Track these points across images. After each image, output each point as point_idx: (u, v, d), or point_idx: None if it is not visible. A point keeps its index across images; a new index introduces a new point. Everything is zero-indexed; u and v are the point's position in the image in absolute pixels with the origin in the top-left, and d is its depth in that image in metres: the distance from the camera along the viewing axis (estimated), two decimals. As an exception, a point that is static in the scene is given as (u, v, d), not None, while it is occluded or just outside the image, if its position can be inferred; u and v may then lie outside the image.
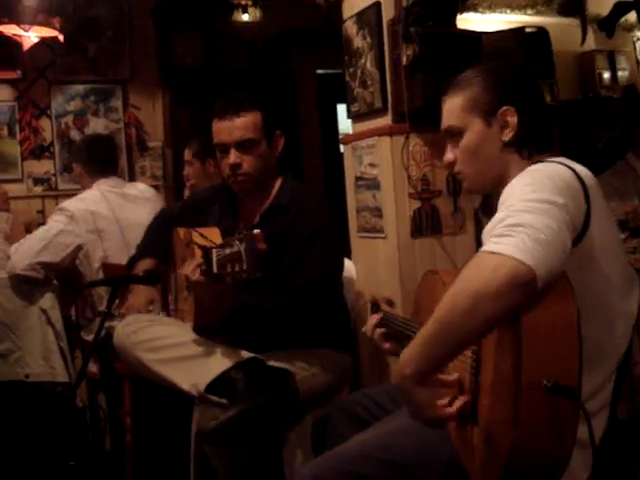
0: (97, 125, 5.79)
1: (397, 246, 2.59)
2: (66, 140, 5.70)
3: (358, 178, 2.77)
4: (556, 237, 1.30)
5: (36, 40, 4.93)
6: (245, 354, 2.16)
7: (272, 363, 2.15)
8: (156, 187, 5.92)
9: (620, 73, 5.01)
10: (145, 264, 2.56)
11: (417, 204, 2.60)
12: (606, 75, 5.03)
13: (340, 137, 3.01)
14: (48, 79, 5.63)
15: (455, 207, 2.63)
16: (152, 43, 5.89)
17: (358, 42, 2.73)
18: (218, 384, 2.09)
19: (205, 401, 2.09)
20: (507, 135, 1.61)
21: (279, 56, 6.35)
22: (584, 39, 4.77)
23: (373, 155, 2.66)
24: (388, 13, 2.59)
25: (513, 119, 1.60)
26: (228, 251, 1.86)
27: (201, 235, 2.15)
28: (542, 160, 1.55)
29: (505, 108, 1.61)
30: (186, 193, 3.97)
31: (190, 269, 2.00)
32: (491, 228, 1.36)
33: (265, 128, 2.30)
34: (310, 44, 6.22)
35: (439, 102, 1.84)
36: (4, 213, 3.77)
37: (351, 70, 2.80)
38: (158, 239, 2.65)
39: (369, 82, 2.66)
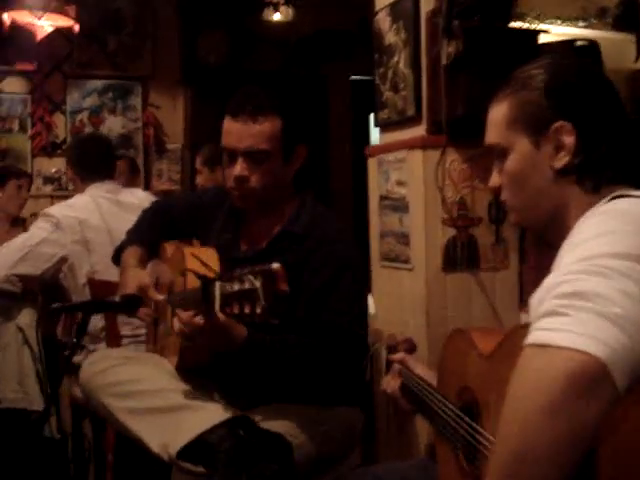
0: (114, 123, 5.49)
1: (425, 281, 2.17)
2: (80, 138, 5.36)
3: (383, 197, 2.36)
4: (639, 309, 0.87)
5: (50, 29, 4.64)
6: (232, 411, 1.75)
7: (265, 425, 1.74)
8: (173, 192, 5.59)
9: (678, 92, 4.54)
10: (132, 253, 2.17)
11: (452, 232, 2.17)
12: (659, 95, 4.58)
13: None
14: (64, 73, 5.34)
15: (497, 238, 2.19)
16: (176, 39, 5.58)
17: (391, 37, 2.32)
18: (196, 447, 1.68)
19: (177, 468, 1.69)
20: (560, 160, 1.19)
21: (311, 59, 5.98)
22: (639, 56, 4.32)
23: (402, 171, 2.25)
24: (428, 3, 2.17)
25: (569, 139, 1.18)
26: (237, 287, 1.50)
27: (198, 260, 1.78)
28: (620, 194, 1.12)
29: (559, 124, 1.18)
30: None
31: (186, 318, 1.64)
32: (540, 298, 0.93)
33: (284, 139, 1.89)
34: (344, 48, 5.85)
35: (484, 110, 1.44)
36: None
37: (381, 70, 2.39)
38: (152, 228, 2.26)
39: (401, 85, 2.25)
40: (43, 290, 2.95)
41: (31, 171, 5.12)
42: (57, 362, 3.03)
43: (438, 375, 1.41)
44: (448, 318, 2.17)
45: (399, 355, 1.60)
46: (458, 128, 2.08)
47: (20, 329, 2.84)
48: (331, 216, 1.99)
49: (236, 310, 1.47)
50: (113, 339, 2.68)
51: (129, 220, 2.85)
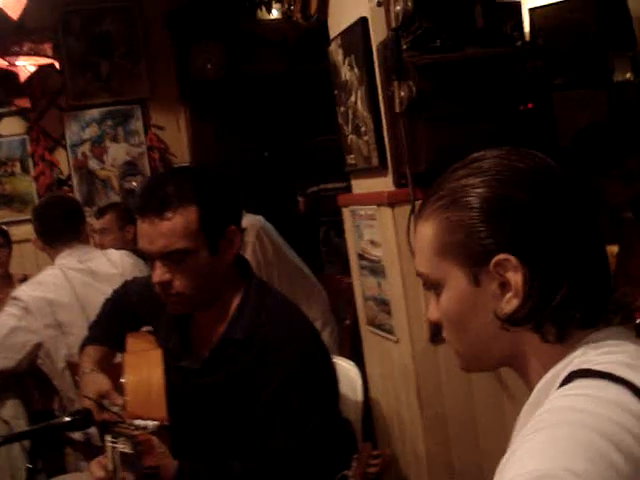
0: (117, 152, 5.28)
1: (412, 355, 1.87)
2: (85, 171, 5.23)
3: (360, 256, 2.06)
4: None
5: (33, 69, 4.46)
6: None
7: None
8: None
9: None
10: (91, 354, 1.97)
11: (436, 298, 1.86)
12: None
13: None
14: (60, 107, 5.14)
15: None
16: (170, 55, 5.31)
17: (346, 72, 2.00)
18: None
19: None
20: (507, 304, 0.89)
21: (316, 55, 5.65)
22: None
23: (373, 230, 1.94)
24: (378, 33, 1.85)
25: (516, 278, 0.88)
26: (121, 447, 1.30)
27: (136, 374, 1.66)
28: (587, 369, 0.82)
29: (500, 258, 0.88)
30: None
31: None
32: None
33: (205, 230, 1.60)
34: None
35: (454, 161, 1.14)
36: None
37: (342, 109, 2.08)
38: (112, 321, 2.06)
39: (363, 129, 1.94)
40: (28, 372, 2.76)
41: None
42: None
43: None
44: (444, 395, 1.87)
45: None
46: (426, 180, 1.76)
47: (6, 422, 2.65)
48: (279, 309, 1.70)
49: (121, 474, 1.28)
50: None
51: (104, 291, 2.63)
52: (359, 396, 2.00)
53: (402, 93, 1.66)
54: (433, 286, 0.97)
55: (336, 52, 2.05)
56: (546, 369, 0.89)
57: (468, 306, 0.93)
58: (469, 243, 0.91)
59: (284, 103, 5.42)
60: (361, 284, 2.08)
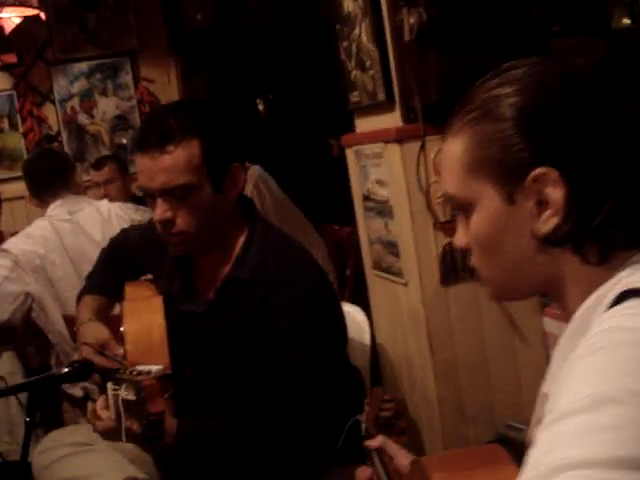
0: (107, 105, 5.16)
1: (422, 298, 1.81)
2: (74, 126, 5.10)
3: (366, 198, 1.98)
4: None
5: (18, 21, 4.33)
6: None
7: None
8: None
9: None
10: (88, 304, 1.90)
11: (447, 238, 1.79)
12: None
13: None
14: (47, 60, 5.00)
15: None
16: (159, 5, 5.16)
17: (349, 4, 1.90)
18: None
19: None
20: (545, 223, 0.82)
21: (309, 2, 5.50)
22: None
23: (380, 169, 1.86)
24: (384, -40, 1.75)
25: (557, 193, 0.80)
26: (124, 393, 1.24)
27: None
28: (634, 289, 0.75)
29: (539, 172, 0.81)
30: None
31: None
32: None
33: (207, 164, 1.52)
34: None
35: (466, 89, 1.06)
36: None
37: (344, 44, 1.98)
38: (110, 270, 1.99)
39: (367, 62, 1.85)
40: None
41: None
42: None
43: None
44: (455, 339, 1.82)
45: (377, 441, 1.27)
46: (436, 114, 1.68)
47: (1, 378, 2.59)
48: (285, 248, 1.63)
49: (126, 421, 1.28)
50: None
51: (90, 243, 2.57)
52: (366, 340, 1.94)
53: (411, 20, 1.57)
54: (462, 208, 0.90)
55: (338, -17, 1.95)
56: (586, 294, 0.82)
57: (501, 227, 0.86)
58: (503, 157, 0.83)
59: (276, 52, 5.30)
60: (366, 226, 2.01)
